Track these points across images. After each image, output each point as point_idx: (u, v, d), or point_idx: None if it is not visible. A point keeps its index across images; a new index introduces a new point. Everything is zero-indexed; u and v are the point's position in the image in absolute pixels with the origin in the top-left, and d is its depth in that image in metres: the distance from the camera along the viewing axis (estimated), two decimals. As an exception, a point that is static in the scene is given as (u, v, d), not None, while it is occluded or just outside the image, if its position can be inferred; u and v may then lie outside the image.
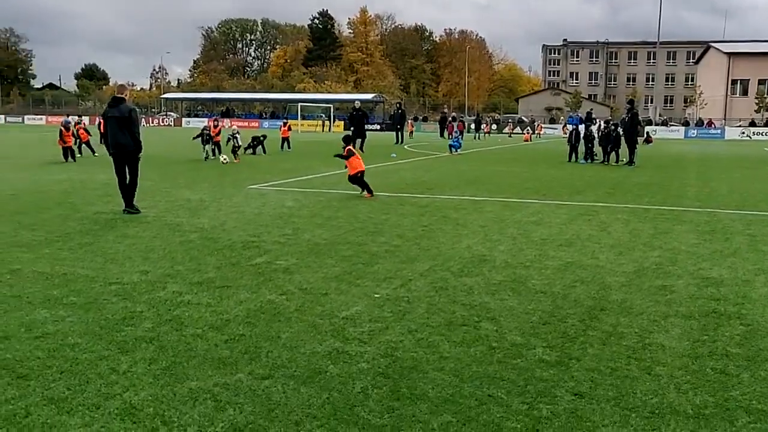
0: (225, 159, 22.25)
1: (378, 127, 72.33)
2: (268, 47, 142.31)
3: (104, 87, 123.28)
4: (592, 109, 37.29)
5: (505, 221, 11.08)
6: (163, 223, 10.55)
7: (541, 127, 63.57)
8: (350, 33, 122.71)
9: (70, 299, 6.22)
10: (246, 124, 73.26)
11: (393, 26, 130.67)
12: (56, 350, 4.92)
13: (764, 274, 7.65)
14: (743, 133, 61.60)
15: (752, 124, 66.80)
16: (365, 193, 14.10)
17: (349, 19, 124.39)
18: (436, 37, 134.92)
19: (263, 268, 7.58)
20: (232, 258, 8.10)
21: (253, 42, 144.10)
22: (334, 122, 71.70)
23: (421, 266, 7.82)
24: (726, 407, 4.15)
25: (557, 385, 4.45)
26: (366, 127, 32.23)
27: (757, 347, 5.24)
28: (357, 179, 14.33)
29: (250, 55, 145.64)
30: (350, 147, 14.79)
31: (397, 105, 45.75)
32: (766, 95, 76.78)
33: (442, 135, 49.11)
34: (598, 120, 32.13)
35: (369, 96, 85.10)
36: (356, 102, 35.08)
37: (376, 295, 6.54)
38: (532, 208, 12.68)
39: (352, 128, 30.68)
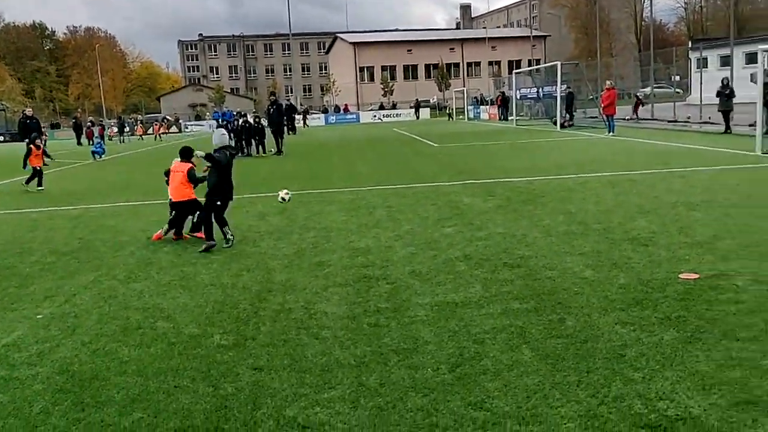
0: None
1: (1, 138, 64.86)
2: None
3: None
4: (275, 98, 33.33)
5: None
6: None
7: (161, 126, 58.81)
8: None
9: None
10: None
11: (3, 25, 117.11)
12: None
13: (401, 239, 8.86)
14: (375, 116, 68.29)
15: (381, 107, 74.48)
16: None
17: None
18: (59, 36, 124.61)
19: None
20: None
21: None
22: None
23: (84, 279, 7.55)
24: (380, 353, 4.89)
25: (238, 364, 4.79)
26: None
27: (400, 299, 6.18)
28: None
29: None
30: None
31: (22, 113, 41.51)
32: (389, 80, 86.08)
33: (79, 142, 46.19)
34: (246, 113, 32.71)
35: (-15, 105, 75.63)
36: (27, 109, 30.14)
37: (38, 316, 6.20)
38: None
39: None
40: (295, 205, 12.00)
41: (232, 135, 26.43)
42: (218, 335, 5.44)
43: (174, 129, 64.53)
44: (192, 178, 9.43)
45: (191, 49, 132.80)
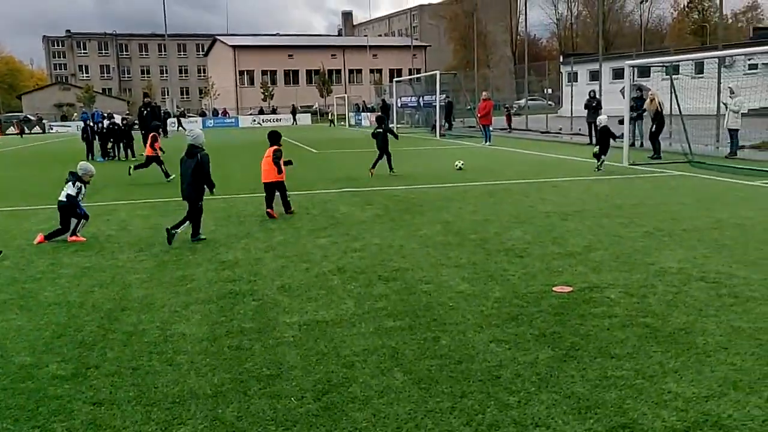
0: None
1: None
2: None
3: None
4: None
5: (11, 232, 10.04)
6: None
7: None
8: None
9: None
10: None
11: None
12: None
13: (273, 250, 8.39)
14: (254, 120, 66.78)
15: (261, 111, 73.05)
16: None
17: None
18: None
19: None
20: None
21: None
22: None
23: None
24: (241, 380, 4.43)
25: (74, 399, 4.19)
26: None
27: (267, 318, 5.73)
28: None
29: None
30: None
31: None
32: (270, 85, 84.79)
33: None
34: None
35: None
36: None
37: None
38: (43, 214, 11.68)
39: None
40: (159, 214, 11.25)
41: (96, 137, 24.96)
42: (55, 364, 4.79)
43: (37, 129, 60.51)
44: (275, 159, 11.09)
45: (58, 45, 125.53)
